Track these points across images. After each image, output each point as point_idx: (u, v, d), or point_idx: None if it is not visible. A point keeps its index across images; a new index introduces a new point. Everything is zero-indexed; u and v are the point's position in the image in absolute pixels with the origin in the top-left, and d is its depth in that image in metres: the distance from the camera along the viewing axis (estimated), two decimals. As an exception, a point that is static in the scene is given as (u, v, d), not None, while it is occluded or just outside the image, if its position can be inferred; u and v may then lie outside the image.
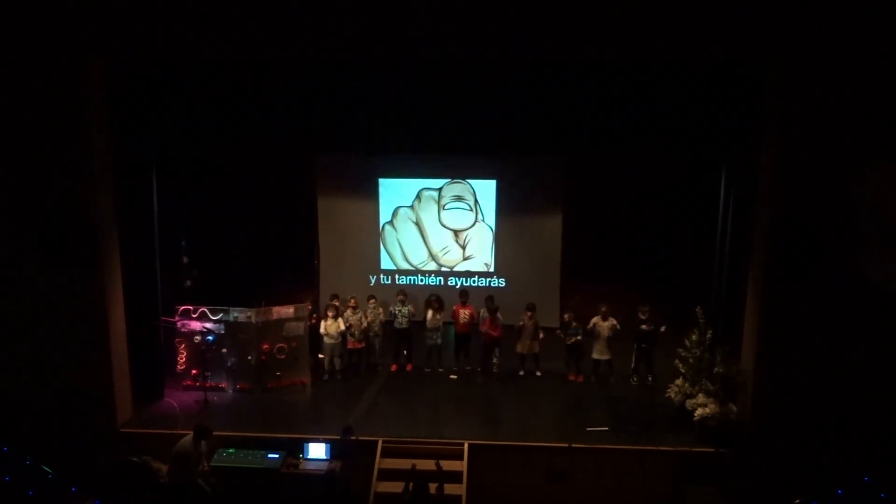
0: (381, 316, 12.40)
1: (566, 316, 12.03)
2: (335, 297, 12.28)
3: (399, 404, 11.31)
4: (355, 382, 11.95)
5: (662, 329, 11.56)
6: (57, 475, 9.41)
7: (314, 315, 12.22)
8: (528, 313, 11.85)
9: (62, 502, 9.21)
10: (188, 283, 12.86)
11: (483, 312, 12.00)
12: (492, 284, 14.28)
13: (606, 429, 10.21)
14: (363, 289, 13.59)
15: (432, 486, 8.66)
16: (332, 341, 11.88)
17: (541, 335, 11.96)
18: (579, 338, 11.76)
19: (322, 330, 11.85)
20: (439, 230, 14.35)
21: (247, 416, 10.75)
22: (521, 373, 12.13)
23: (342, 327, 11.86)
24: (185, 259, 13.02)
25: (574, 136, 10.52)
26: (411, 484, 8.63)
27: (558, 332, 12.01)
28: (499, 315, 11.92)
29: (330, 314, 11.82)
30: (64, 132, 9.54)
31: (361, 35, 9.23)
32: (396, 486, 9.04)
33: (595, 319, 11.73)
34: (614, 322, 11.65)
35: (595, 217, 13.84)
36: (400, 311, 12.26)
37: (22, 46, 9.34)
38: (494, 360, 12.06)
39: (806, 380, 9.59)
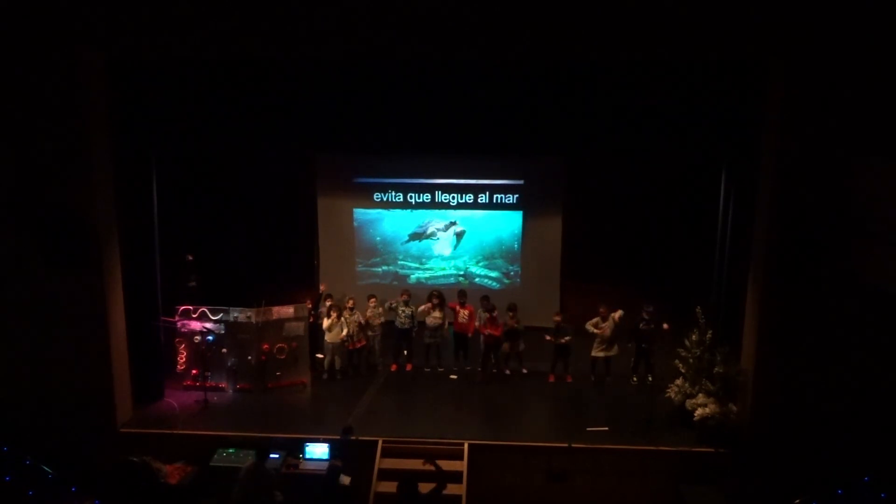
0: (382, 316, 12.39)
1: (557, 317, 12.01)
2: (329, 297, 12.27)
3: (399, 404, 11.31)
4: (355, 382, 11.95)
5: (666, 326, 11.54)
6: (57, 475, 9.42)
7: (312, 314, 12.22)
8: (510, 314, 11.87)
9: (62, 502, 9.22)
10: (192, 283, 12.83)
11: (481, 313, 12.01)
12: (490, 285, 14.30)
13: (606, 429, 10.21)
14: (363, 289, 13.62)
15: (425, 487, 8.64)
16: (332, 340, 11.88)
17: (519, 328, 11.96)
18: (570, 338, 11.76)
19: (325, 326, 11.84)
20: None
21: (247, 416, 10.75)
22: (508, 372, 12.13)
23: (343, 332, 11.85)
24: (190, 257, 13.01)
25: (574, 136, 10.52)
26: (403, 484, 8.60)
27: (548, 337, 11.92)
28: (496, 315, 11.89)
29: (334, 314, 11.81)
30: (64, 132, 9.53)
31: (361, 35, 9.22)
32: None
33: (595, 321, 11.72)
34: (615, 316, 11.59)
35: (595, 217, 13.84)
36: (403, 311, 12.26)
37: (22, 46, 9.32)
38: (493, 360, 12.07)
39: (806, 380, 9.59)
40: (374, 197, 14.21)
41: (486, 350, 12.00)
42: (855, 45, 8.82)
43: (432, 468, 8.91)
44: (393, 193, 14.19)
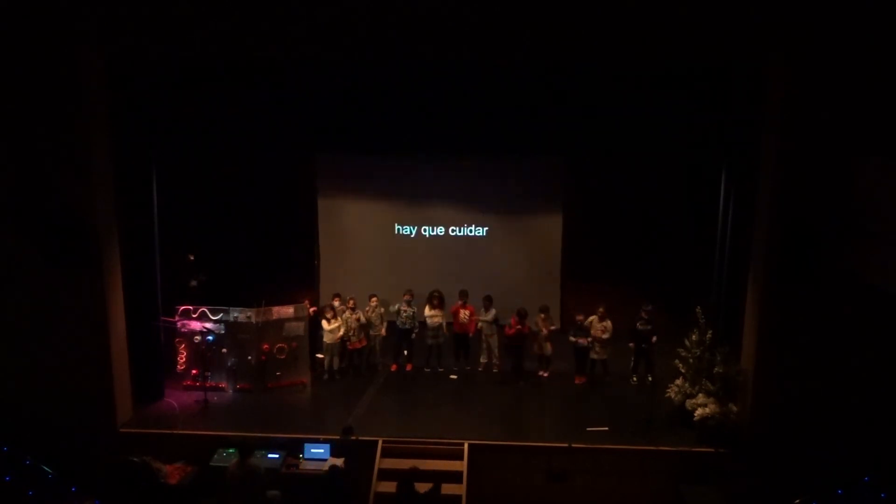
0: (384, 318, 12.37)
1: (579, 317, 11.92)
2: (336, 296, 12.28)
3: (399, 404, 11.30)
4: (355, 382, 11.95)
5: (654, 339, 11.56)
6: (57, 475, 9.42)
7: (312, 310, 12.21)
8: (542, 315, 11.86)
9: (62, 502, 9.22)
10: (194, 283, 12.82)
11: (482, 314, 12.02)
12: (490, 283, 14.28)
13: (606, 429, 10.21)
14: (363, 289, 13.59)
15: (422, 486, 8.65)
16: (331, 340, 11.89)
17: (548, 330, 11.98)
18: (589, 339, 11.75)
19: (328, 328, 11.84)
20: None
21: (247, 416, 10.75)
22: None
23: (341, 332, 11.85)
24: (192, 257, 12.99)
25: (574, 136, 10.54)
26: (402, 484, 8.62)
27: (572, 338, 11.90)
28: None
29: (328, 315, 11.82)
30: (64, 132, 9.54)
31: (361, 35, 9.22)
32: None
33: (591, 319, 11.74)
34: (607, 324, 11.62)
35: (595, 217, 13.83)
36: (405, 311, 12.25)
37: (22, 46, 9.32)
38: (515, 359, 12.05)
39: (806, 380, 9.59)
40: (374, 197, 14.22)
41: (509, 351, 11.96)
42: (855, 45, 8.81)
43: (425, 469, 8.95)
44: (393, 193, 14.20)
